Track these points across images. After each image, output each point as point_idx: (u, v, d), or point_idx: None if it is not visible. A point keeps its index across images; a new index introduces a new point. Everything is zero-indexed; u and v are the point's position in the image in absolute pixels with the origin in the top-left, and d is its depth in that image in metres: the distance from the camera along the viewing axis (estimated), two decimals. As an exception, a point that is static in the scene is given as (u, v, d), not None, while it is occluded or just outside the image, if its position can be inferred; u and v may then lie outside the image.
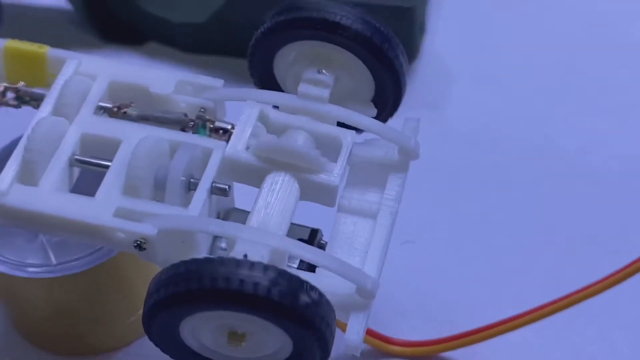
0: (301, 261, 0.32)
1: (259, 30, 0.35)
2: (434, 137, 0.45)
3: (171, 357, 0.32)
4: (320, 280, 0.31)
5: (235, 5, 0.48)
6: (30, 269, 0.38)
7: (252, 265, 0.28)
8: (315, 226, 0.35)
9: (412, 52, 0.47)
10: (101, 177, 0.33)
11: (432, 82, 0.47)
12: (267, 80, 0.37)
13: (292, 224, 0.35)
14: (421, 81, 0.47)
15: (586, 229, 0.42)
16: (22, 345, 0.42)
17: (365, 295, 0.31)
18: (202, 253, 0.32)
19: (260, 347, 0.31)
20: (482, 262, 0.41)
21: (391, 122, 0.36)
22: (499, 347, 0.38)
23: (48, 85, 0.36)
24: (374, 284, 0.31)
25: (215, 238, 0.33)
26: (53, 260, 0.38)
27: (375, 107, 0.36)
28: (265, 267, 0.28)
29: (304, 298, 0.29)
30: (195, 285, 0.28)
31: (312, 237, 0.34)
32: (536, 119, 0.45)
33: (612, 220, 0.41)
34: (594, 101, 0.46)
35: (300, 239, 0.34)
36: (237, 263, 0.28)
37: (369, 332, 0.38)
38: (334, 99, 0.35)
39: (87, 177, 0.35)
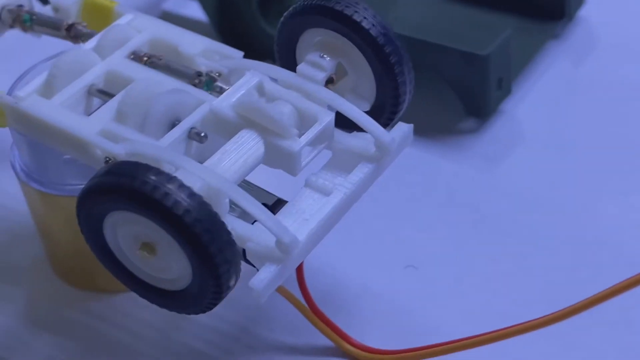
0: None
1: (287, 12, 0.37)
2: (481, 186, 0.45)
3: (91, 249, 0.33)
4: (250, 228, 0.32)
5: None
6: (48, 186, 0.41)
7: (171, 178, 0.30)
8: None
9: (485, 106, 0.47)
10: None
11: (501, 140, 0.46)
12: (289, 62, 0.39)
13: (262, 189, 0.36)
14: (490, 137, 0.47)
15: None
16: (51, 278, 0.45)
17: (282, 249, 0.31)
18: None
19: (165, 268, 0.32)
20: (479, 302, 0.40)
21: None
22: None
23: None
24: (293, 240, 0.31)
25: None
26: (67, 180, 0.40)
27: (374, 111, 0.37)
28: (181, 185, 0.30)
29: (206, 224, 0.30)
30: (120, 180, 0.30)
31: (276, 205, 0.35)
32: (588, 191, 0.44)
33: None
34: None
35: (263, 204, 0.35)
36: (159, 172, 0.30)
37: (333, 329, 0.38)
38: (338, 89, 0.37)
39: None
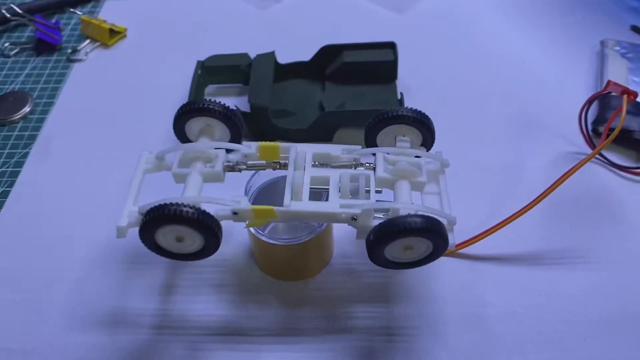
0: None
1: (369, 123, 0.55)
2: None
3: (381, 265, 0.50)
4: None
5: (321, 119, 0.68)
6: (280, 240, 0.56)
7: (416, 216, 0.48)
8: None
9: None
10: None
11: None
12: (373, 144, 0.57)
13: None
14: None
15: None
16: (259, 274, 0.59)
17: (452, 224, 0.52)
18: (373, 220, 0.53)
19: (418, 252, 0.51)
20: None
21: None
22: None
23: (280, 159, 0.55)
24: (454, 219, 0.52)
25: None
26: (290, 236, 0.56)
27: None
28: (420, 216, 0.49)
29: (438, 224, 0.48)
30: (400, 227, 0.46)
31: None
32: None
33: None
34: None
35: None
36: (410, 216, 0.48)
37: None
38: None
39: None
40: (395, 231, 0.45)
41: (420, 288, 0.56)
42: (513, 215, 0.55)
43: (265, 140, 0.57)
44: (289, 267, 0.56)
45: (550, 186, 0.55)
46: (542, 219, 0.59)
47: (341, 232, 0.57)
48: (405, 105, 0.67)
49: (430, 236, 0.45)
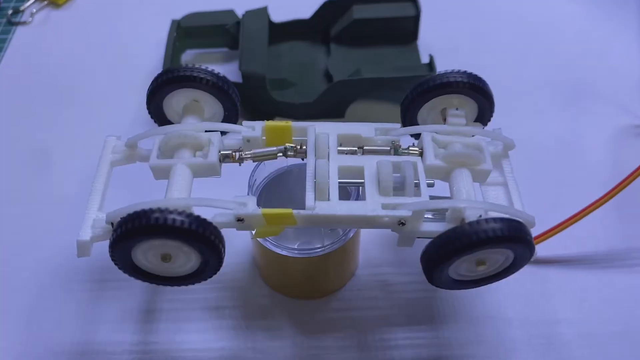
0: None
1: (409, 95, 0.41)
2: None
3: (443, 287, 0.37)
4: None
5: (331, 90, 0.55)
6: (294, 251, 0.42)
7: (493, 220, 0.35)
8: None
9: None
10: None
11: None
12: (413, 123, 0.43)
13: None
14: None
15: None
16: (268, 292, 0.46)
17: (530, 226, 0.38)
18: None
19: (493, 265, 0.38)
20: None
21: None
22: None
23: (294, 144, 0.40)
24: (532, 219, 0.38)
25: None
26: (305, 242, 0.45)
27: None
28: (498, 219, 0.35)
29: (523, 228, 0.35)
30: (475, 238, 0.33)
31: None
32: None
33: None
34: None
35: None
36: (486, 221, 0.35)
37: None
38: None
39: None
40: (468, 243, 0.33)
41: (473, 304, 0.44)
42: (589, 206, 0.43)
43: (261, 119, 0.45)
44: (306, 283, 0.45)
45: (632, 173, 0.42)
46: (615, 211, 0.48)
47: (366, 234, 0.46)
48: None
49: (514, 245, 0.34)
